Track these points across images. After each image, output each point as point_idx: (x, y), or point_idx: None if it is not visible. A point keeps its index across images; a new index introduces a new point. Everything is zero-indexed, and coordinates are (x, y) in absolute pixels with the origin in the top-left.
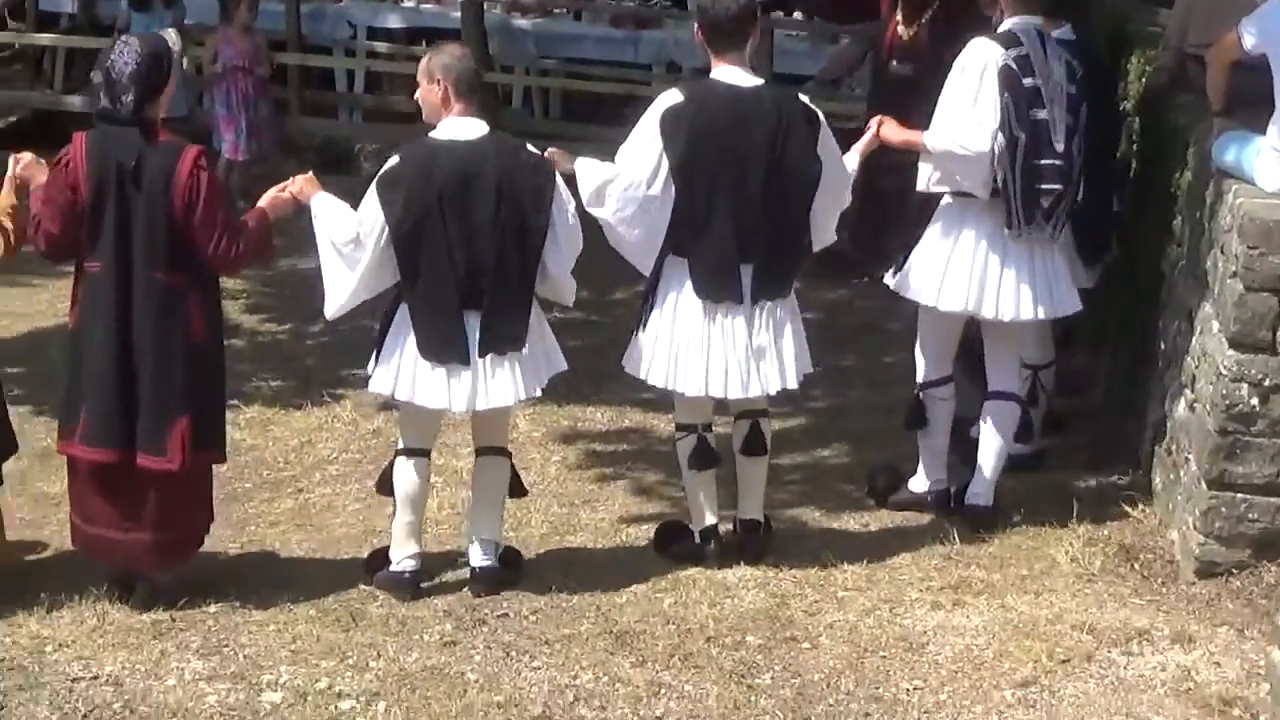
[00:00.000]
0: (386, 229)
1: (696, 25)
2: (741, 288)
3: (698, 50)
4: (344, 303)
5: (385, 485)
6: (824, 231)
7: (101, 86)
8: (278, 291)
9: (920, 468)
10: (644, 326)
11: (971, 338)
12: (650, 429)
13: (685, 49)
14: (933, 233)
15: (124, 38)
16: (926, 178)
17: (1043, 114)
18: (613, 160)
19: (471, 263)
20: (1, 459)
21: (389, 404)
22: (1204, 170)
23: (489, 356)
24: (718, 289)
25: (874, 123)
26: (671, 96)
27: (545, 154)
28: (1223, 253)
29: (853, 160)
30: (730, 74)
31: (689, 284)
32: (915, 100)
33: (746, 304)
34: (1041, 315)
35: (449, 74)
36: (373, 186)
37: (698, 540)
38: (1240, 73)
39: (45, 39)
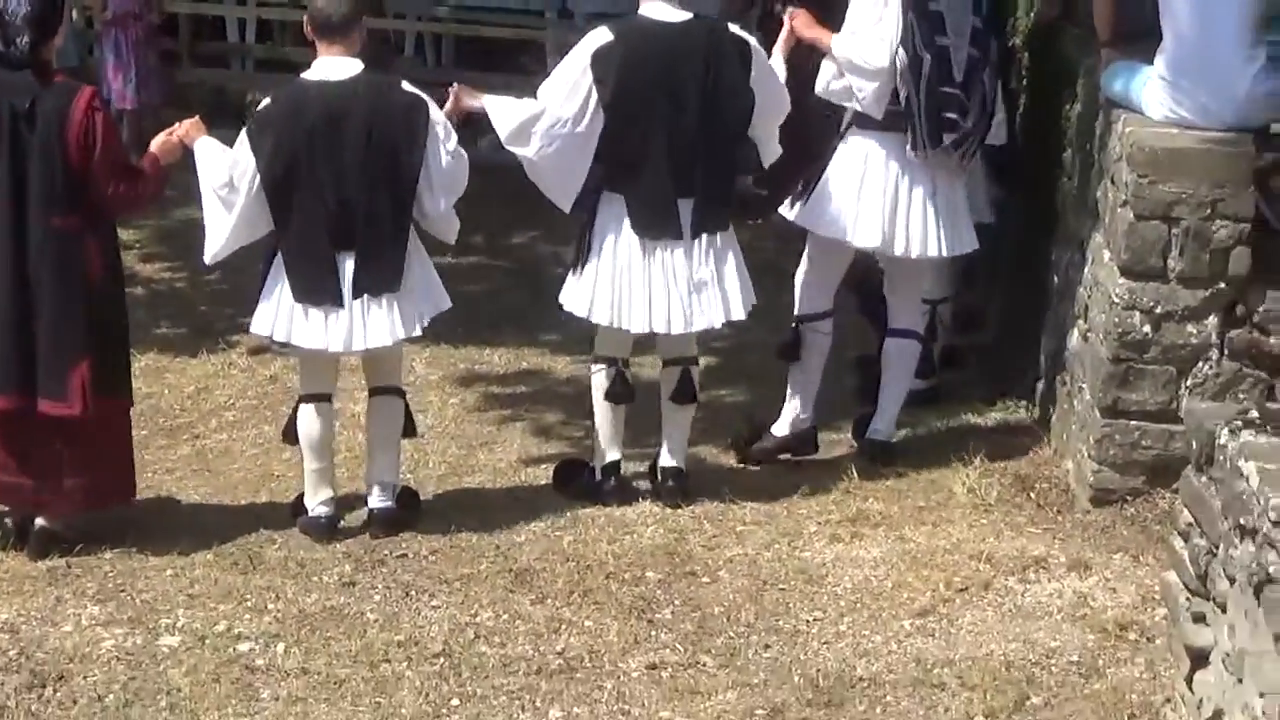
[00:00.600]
0: (256, 174)
1: None
2: (680, 222)
3: None
4: (221, 247)
5: (290, 433)
6: (769, 149)
7: None
8: (173, 240)
9: (784, 408)
10: (582, 265)
11: (864, 274)
12: (548, 371)
13: None
14: (838, 166)
15: None
16: (825, 83)
17: (946, 41)
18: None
19: (342, 204)
20: None
21: (279, 350)
22: (1093, 101)
23: (364, 297)
24: (656, 225)
25: (788, 16)
26: (601, 35)
27: (451, 90)
28: (1113, 182)
29: (778, 64)
30: (659, 9)
31: (626, 221)
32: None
33: (686, 238)
34: (945, 253)
35: (312, 14)
36: (244, 130)
37: (598, 477)
38: (1127, 3)
39: None
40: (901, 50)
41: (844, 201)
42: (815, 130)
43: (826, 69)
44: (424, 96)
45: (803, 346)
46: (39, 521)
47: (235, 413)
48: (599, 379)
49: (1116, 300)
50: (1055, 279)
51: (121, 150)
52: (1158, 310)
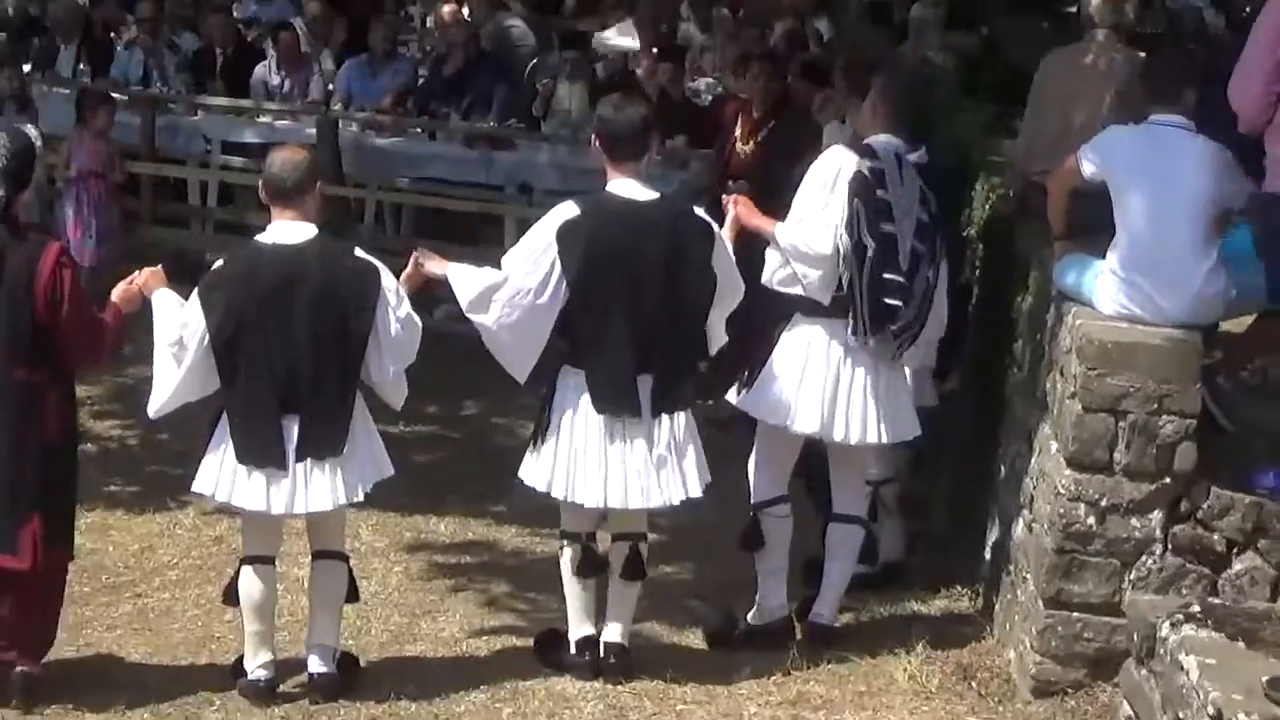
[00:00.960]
0: (206, 333)
1: (594, 136)
2: (640, 400)
3: (551, 172)
4: (166, 401)
5: (231, 594)
6: (716, 334)
7: None
8: (126, 398)
9: (758, 597)
10: (542, 439)
11: (810, 458)
12: (495, 542)
13: (538, 171)
14: (781, 351)
15: None
16: (772, 272)
17: (891, 229)
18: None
19: (289, 367)
20: None
21: (229, 510)
22: (1045, 294)
23: (307, 460)
24: (616, 402)
25: (731, 202)
26: (568, 209)
27: (414, 254)
28: (1062, 374)
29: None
30: (627, 186)
31: (586, 397)
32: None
33: (646, 416)
34: (885, 439)
35: (266, 178)
36: (197, 289)
37: (573, 650)
38: (1080, 199)
39: None
40: (845, 235)
41: (786, 388)
42: (760, 316)
43: (772, 258)
44: (376, 263)
45: (763, 534)
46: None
47: (179, 572)
48: (567, 554)
49: (1062, 491)
50: (1002, 468)
51: (88, 306)
52: (1103, 503)
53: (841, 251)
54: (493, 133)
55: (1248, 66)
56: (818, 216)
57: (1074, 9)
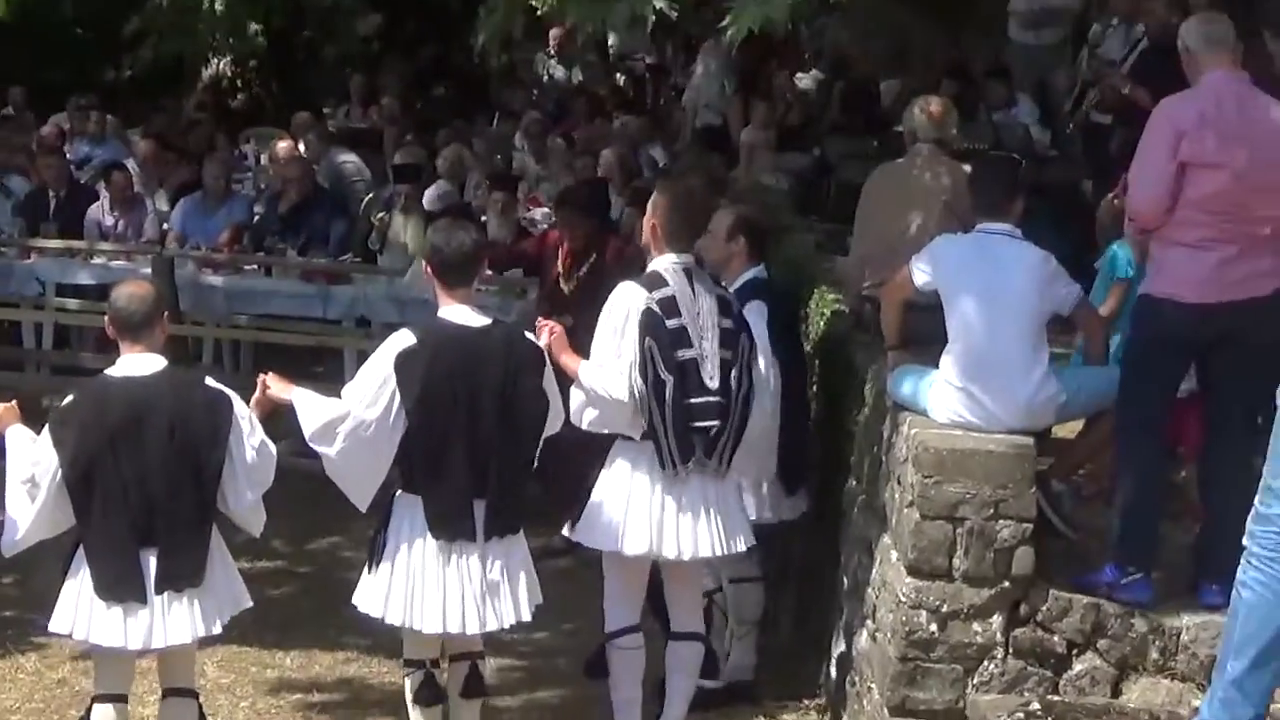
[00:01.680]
0: (59, 469)
1: (425, 263)
2: (475, 525)
3: (388, 305)
4: (20, 539)
5: None
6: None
7: None
8: None
9: None
10: (377, 564)
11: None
12: (343, 675)
13: (375, 305)
14: (606, 478)
15: None
16: (579, 411)
17: (690, 353)
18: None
19: (145, 500)
20: None
21: (81, 654)
22: (881, 406)
23: (166, 593)
24: (451, 527)
25: (544, 329)
26: (404, 338)
27: (261, 379)
28: (899, 483)
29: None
30: (459, 313)
31: (421, 521)
32: (581, 352)
33: (480, 540)
34: (717, 552)
35: (113, 313)
36: (47, 425)
37: None
38: (913, 310)
39: None
40: (639, 379)
41: (613, 513)
42: (582, 445)
43: (576, 396)
44: (228, 392)
45: (611, 664)
46: None
47: (20, 717)
48: (411, 681)
49: (903, 600)
50: (845, 580)
51: None
52: (944, 609)
53: (638, 396)
54: (329, 268)
55: (1147, 173)
56: (613, 363)
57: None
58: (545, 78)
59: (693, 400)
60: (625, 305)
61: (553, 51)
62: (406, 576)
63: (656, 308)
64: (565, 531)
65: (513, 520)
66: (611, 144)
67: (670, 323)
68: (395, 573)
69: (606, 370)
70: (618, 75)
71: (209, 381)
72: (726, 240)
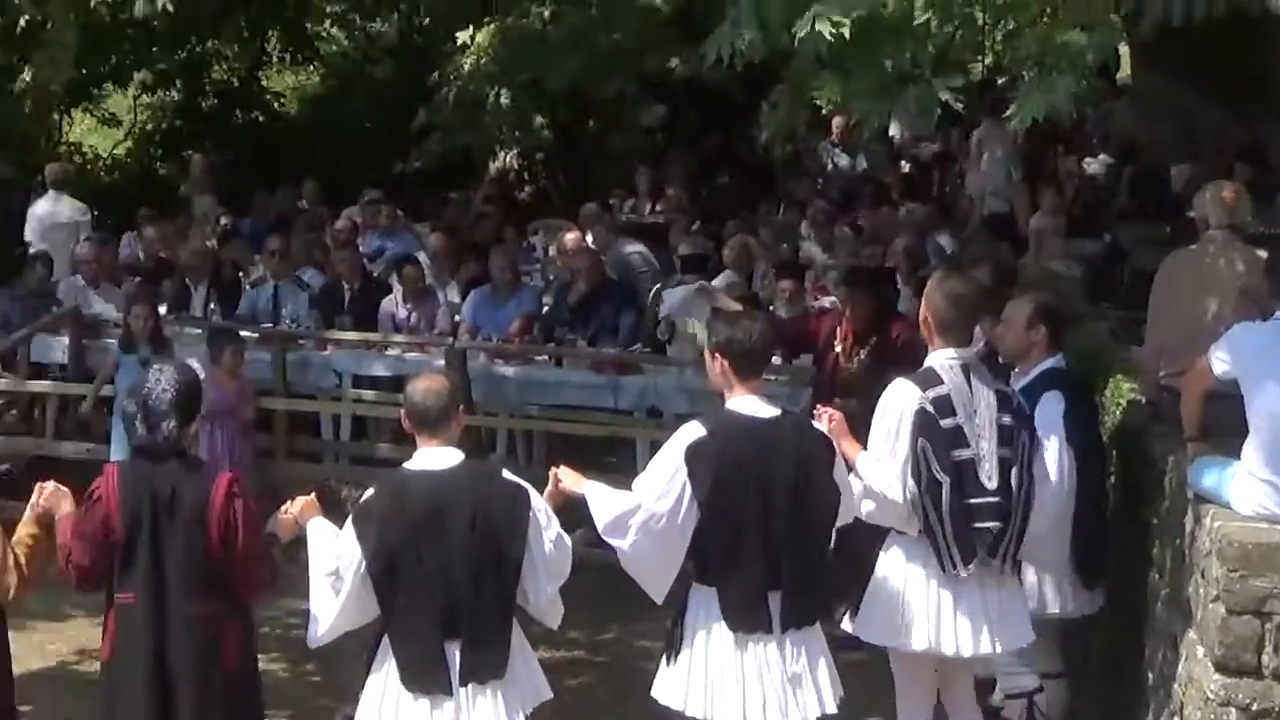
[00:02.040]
0: (363, 562)
1: (716, 355)
2: (770, 617)
3: (679, 395)
4: (326, 632)
5: None
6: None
7: (137, 416)
8: (273, 629)
9: None
10: (675, 657)
11: None
12: None
13: (665, 395)
14: (883, 568)
15: (156, 366)
16: (856, 502)
17: (967, 453)
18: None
19: (448, 593)
20: None
21: None
22: (1181, 498)
23: (470, 685)
24: (747, 619)
25: (824, 415)
26: (694, 430)
27: (553, 473)
28: (1203, 577)
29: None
30: (749, 404)
31: (718, 613)
32: (862, 436)
33: (776, 632)
34: (997, 650)
35: (409, 408)
36: (348, 519)
37: None
38: (1213, 400)
39: (37, 386)
40: (912, 482)
41: (891, 608)
42: (861, 536)
43: (855, 485)
44: (525, 485)
45: None
46: None
47: None
48: None
49: (1211, 697)
50: (1149, 675)
51: (261, 535)
52: (1254, 707)
53: (911, 497)
54: (620, 358)
55: None
56: (887, 463)
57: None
58: (830, 166)
59: (971, 501)
60: (899, 405)
61: (836, 141)
62: (705, 668)
63: (930, 407)
64: (845, 625)
65: (809, 612)
66: (900, 232)
67: (945, 422)
68: (694, 664)
69: (882, 468)
70: (902, 163)
71: (506, 474)
72: (1026, 329)
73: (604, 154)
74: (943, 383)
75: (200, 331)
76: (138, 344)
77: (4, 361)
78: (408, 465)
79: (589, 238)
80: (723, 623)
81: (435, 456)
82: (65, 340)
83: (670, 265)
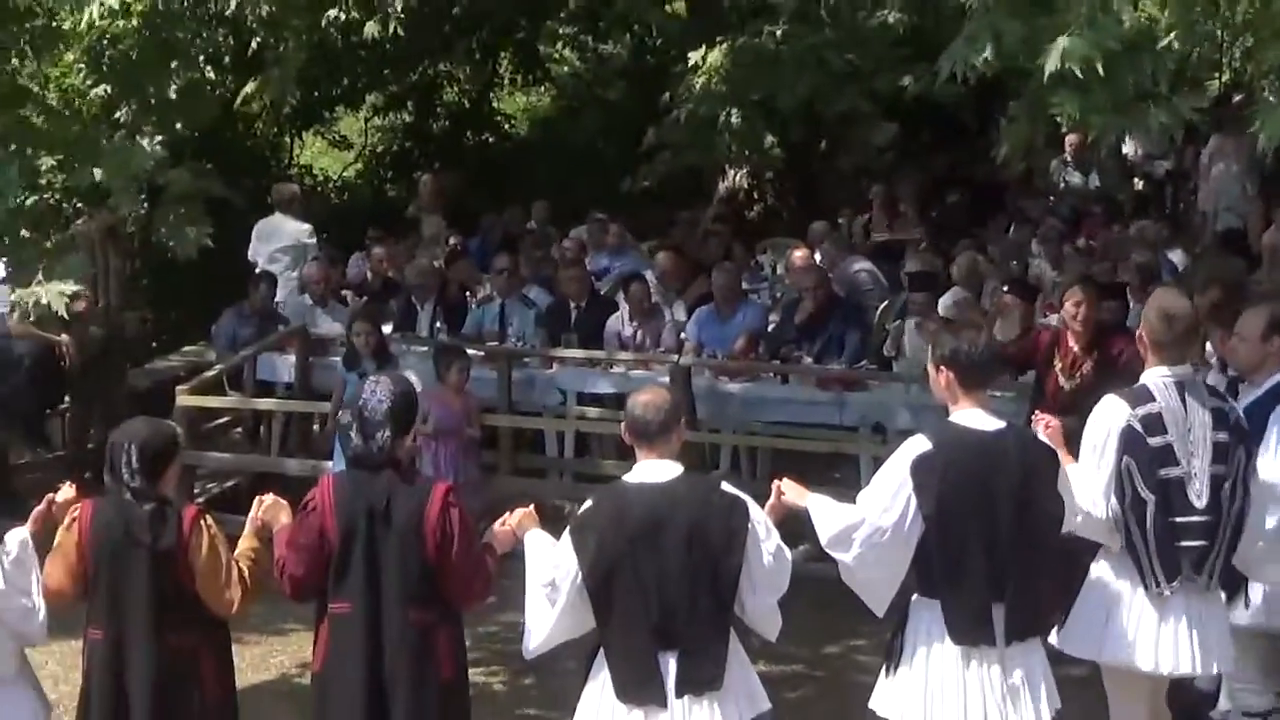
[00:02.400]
0: (579, 574)
1: (941, 367)
2: (994, 630)
3: (904, 411)
4: (541, 643)
5: None
6: None
7: (352, 427)
8: (490, 644)
9: None
10: (895, 669)
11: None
12: None
13: (891, 411)
14: (1090, 588)
15: (372, 378)
16: (1069, 516)
17: (1176, 472)
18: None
19: (665, 604)
20: None
21: None
22: None
23: (686, 697)
24: (971, 631)
25: (1041, 421)
26: (919, 444)
27: (777, 486)
28: None
29: None
30: (974, 417)
31: (941, 626)
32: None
33: (1000, 645)
34: (1198, 670)
35: (630, 421)
36: (567, 531)
37: None
38: None
39: (264, 404)
40: (1115, 500)
41: (1094, 622)
42: (1077, 551)
43: (1067, 497)
44: (744, 497)
45: None
46: None
47: None
48: None
49: None
50: None
51: (477, 545)
52: None
53: (1113, 515)
54: (845, 375)
55: None
56: (1092, 478)
57: None
58: (1062, 184)
59: (1177, 519)
60: (1107, 421)
61: (1070, 158)
62: (925, 680)
63: (1138, 425)
64: (1051, 638)
65: (1032, 624)
66: (1132, 249)
67: (1153, 441)
68: (914, 677)
69: (1087, 483)
70: (1135, 180)
71: (725, 486)
72: (1261, 340)
73: (834, 173)
74: (1154, 400)
75: (426, 349)
76: (361, 361)
77: (231, 379)
78: (627, 478)
79: (817, 256)
80: (946, 635)
81: (654, 469)
82: (291, 359)
83: (898, 282)
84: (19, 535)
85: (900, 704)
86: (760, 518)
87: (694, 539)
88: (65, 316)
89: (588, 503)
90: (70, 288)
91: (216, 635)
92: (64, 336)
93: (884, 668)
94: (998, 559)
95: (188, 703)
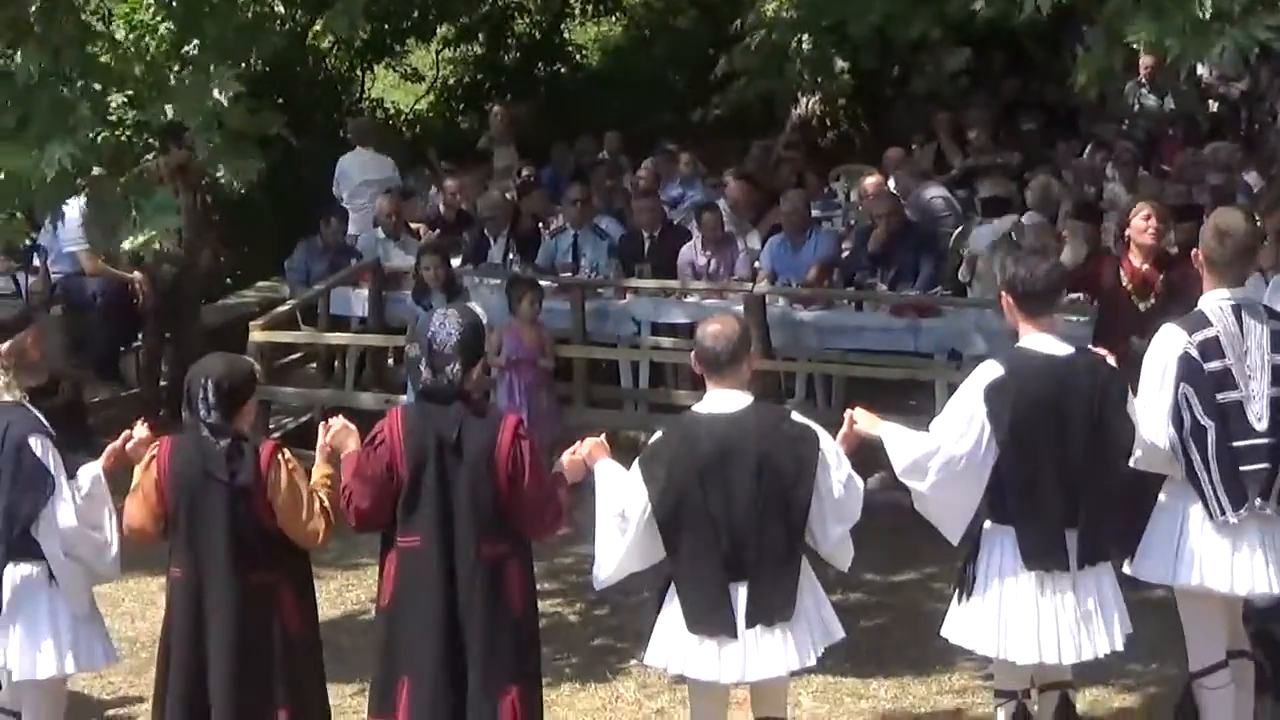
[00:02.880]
0: (649, 504)
1: (1005, 294)
2: (1067, 554)
3: (978, 337)
4: (612, 573)
5: None
6: None
7: (421, 359)
8: (564, 576)
9: None
10: (967, 596)
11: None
12: (937, 707)
13: (966, 337)
14: (1160, 514)
15: (441, 310)
16: (1132, 450)
17: (1235, 396)
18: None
19: (734, 535)
20: None
21: (676, 683)
22: None
23: (757, 627)
24: (1045, 557)
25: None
26: (991, 369)
27: (849, 415)
28: None
29: None
30: (1043, 341)
31: (1013, 552)
32: None
33: (1073, 569)
34: (1275, 589)
35: (699, 350)
36: (636, 462)
37: None
38: None
39: (337, 339)
40: (1173, 429)
41: (1165, 546)
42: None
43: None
44: (814, 426)
45: (1199, 705)
46: None
47: None
48: (1004, 713)
49: None
50: None
51: (548, 477)
52: None
53: (1171, 443)
54: (920, 301)
55: None
56: (1153, 409)
57: None
58: (1136, 107)
59: (1237, 444)
60: (1164, 350)
61: (1145, 81)
62: (999, 607)
63: (1195, 352)
64: (1125, 567)
65: (1104, 548)
66: (1206, 172)
67: (1210, 366)
68: (986, 604)
69: (1147, 413)
70: (1210, 102)
71: (795, 416)
72: None
73: (906, 99)
74: (1211, 325)
75: (499, 281)
76: (430, 294)
77: (304, 314)
78: (696, 408)
79: (891, 182)
80: (1019, 561)
81: (724, 399)
82: (365, 293)
83: (972, 207)
84: (92, 471)
85: (973, 631)
86: (830, 447)
87: (763, 469)
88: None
89: (657, 434)
90: (172, 221)
91: (297, 570)
92: (136, 274)
93: (955, 595)
94: (1070, 483)
95: (269, 638)
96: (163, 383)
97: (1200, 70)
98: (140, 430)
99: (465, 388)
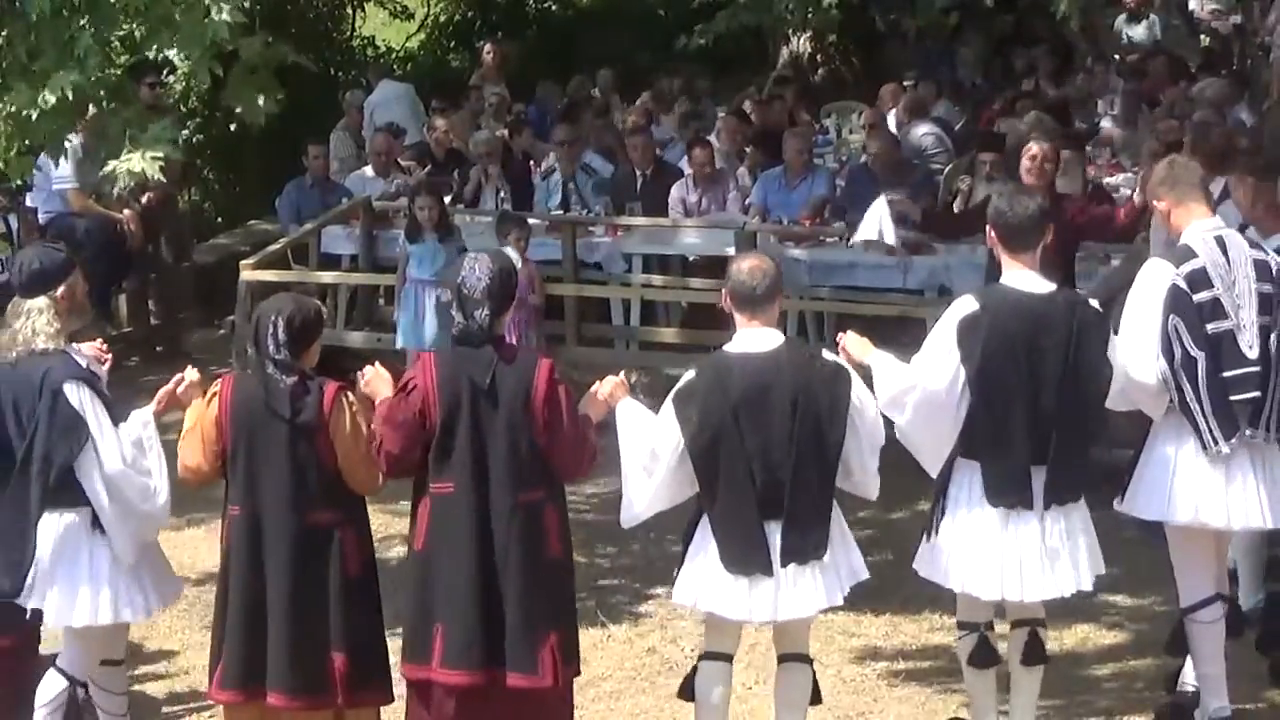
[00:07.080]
0: (682, 443)
1: (990, 228)
2: (1033, 493)
3: (970, 271)
4: (640, 512)
5: (686, 689)
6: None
7: (452, 305)
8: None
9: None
10: (936, 531)
11: None
12: (928, 644)
13: (956, 274)
14: (1151, 450)
15: (471, 255)
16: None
17: (1225, 325)
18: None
19: (769, 474)
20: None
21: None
22: None
23: (791, 565)
24: (1010, 494)
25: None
26: (966, 304)
27: (840, 339)
28: None
29: None
30: (1023, 278)
31: (980, 488)
32: None
33: (1038, 508)
34: (1270, 524)
35: (734, 286)
36: (668, 400)
37: None
38: None
39: (327, 277)
40: (1164, 362)
41: (1158, 483)
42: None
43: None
44: (845, 364)
45: (1190, 638)
46: None
47: (613, 684)
48: (964, 645)
49: None
50: None
51: (581, 421)
52: None
53: (1163, 377)
54: (910, 238)
55: None
56: (1140, 340)
57: None
58: (1124, 39)
59: (1227, 374)
60: (1151, 284)
61: (1130, 5)
62: (965, 543)
63: (1183, 283)
64: (1116, 505)
65: (1073, 488)
66: (1197, 107)
67: (1199, 297)
68: (951, 538)
69: (1133, 348)
70: (1201, 37)
71: (826, 355)
72: None
73: (899, 36)
74: (1197, 256)
75: (489, 220)
76: (424, 233)
77: (295, 254)
78: (728, 347)
79: (891, 121)
80: (984, 498)
81: (757, 338)
82: (355, 231)
83: (966, 143)
84: (142, 416)
85: (940, 565)
86: (860, 384)
87: (798, 407)
88: (160, 179)
89: (689, 372)
90: (166, 151)
91: (355, 513)
92: (125, 212)
93: (925, 530)
94: (1041, 422)
95: (326, 579)
96: (152, 322)
97: (1192, 3)
98: (191, 373)
99: (497, 332)
